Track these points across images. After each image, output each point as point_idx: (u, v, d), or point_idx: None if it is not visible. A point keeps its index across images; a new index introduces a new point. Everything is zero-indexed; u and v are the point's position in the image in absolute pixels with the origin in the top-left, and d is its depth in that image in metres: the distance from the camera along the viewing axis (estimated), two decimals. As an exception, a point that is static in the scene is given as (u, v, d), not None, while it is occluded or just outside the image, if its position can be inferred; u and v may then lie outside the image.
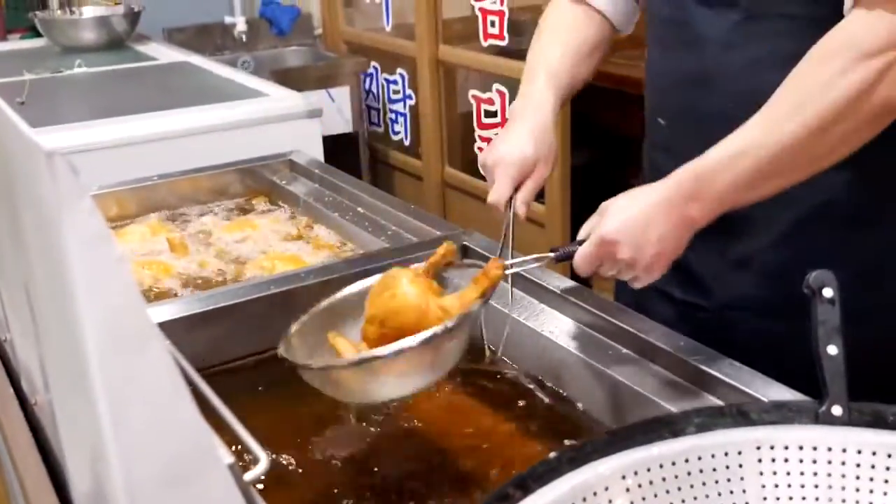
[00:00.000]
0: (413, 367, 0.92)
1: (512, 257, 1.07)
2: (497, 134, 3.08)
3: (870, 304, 1.04)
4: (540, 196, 2.84)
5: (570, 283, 1.21)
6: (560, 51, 1.26)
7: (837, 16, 1.00)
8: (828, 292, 0.78)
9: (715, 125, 1.13)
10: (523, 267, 1.06)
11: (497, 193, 1.15)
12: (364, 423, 1.08)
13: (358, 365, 0.90)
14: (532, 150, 1.16)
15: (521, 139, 1.17)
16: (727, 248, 1.17)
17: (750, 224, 1.15)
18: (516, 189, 1.16)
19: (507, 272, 1.02)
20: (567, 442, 1.02)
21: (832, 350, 0.77)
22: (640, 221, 0.97)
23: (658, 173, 1.27)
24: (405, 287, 0.96)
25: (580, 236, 1.02)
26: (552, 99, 1.22)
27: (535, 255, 1.06)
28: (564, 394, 1.12)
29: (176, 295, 1.39)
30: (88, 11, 3.27)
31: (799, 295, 1.12)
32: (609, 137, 3.18)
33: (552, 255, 1.04)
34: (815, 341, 0.77)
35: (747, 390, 0.94)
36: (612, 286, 1.42)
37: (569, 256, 1.02)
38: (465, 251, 1.34)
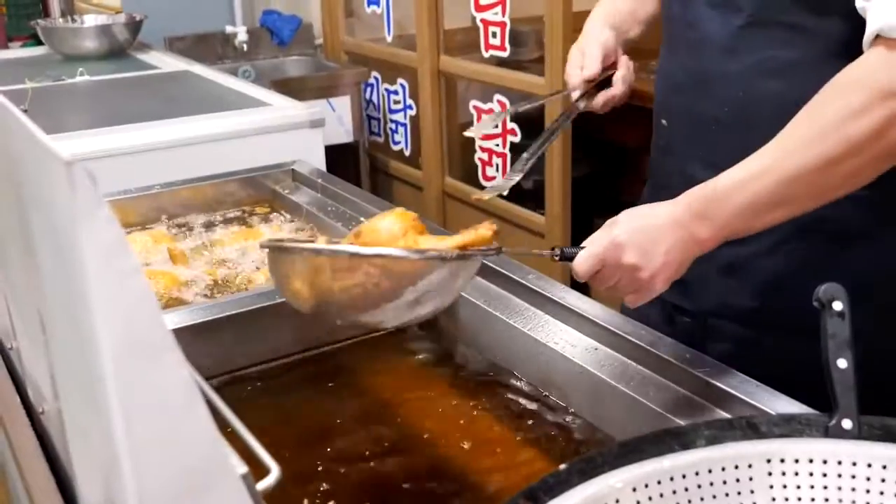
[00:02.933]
0: (367, 282, 0.90)
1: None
2: (498, 144, 3.09)
3: (858, 321, 1.04)
4: (540, 206, 2.86)
5: (574, 293, 1.21)
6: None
7: (840, 30, 1.01)
8: (838, 305, 0.78)
9: (709, 129, 1.15)
10: (521, 255, 1.06)
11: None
12: (369, 432, 1.08)
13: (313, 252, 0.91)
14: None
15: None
16: (715, 254, 1.17)
17: None
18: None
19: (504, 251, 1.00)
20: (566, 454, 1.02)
21: (842, 363, 0.77)
22: (649, 230, 0.97)
23: (659, 174, 1.29)
24: (391, 218, 0.97)
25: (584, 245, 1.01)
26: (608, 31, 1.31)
27: (536, 251, 1.05)
28: (569, 406, 1.12)
29: (180, 304, 1.39)
30: (90, 20, 3.28)
31: (783, 306, 1.13)
32: (607, 148, 3.19)
33: (553, 251, 1.01)
34: (825, 354, 0.77)
35: (754, 403, 0.94)
36: (617, 296, 1.42)
37: (570, 257, 0.99)
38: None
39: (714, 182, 0.98)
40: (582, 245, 1.00)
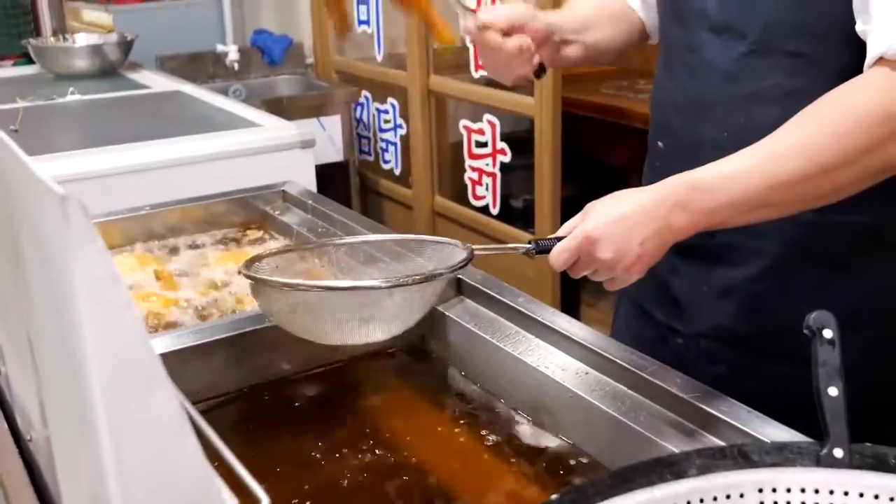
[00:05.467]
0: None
1: None
2: (488, 163, 3.08)
3: (850, 351, 1.04)
4: (530, 225, 2.86)
5: (564, 317, 1.21)
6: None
7: (841, 58, 1.01)
8: (828, 333, 0.78)
9: (706, 154, 1.15)
10: (493, 251, 1.08)
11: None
12: (359, 459, 1.07)
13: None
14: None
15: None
16: (710, 276, 1.18)
17: (735, 254, 1.16)
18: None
19: (477, 251, 1.05)
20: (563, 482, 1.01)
21: (833, 391, 0.77)
22: (624, 223, 0.96)
23: None
24: None
25: (560, 233, 1.01)
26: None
27: (510, 245, 1.06)
28: (560, 431, 1.11)
29: (170, 327, 1.38)
30: (81, 39, 3.28)
31: (775, 331, 1.13)
32: (596, 167, 3.20)
33: (529, 246, 1.02)
34: (816, 382, 0.77)
35: (745, 429, 0.94)
36: (608, 318, 1.42)
37: (546, 250, 1.00)
38: (458, 282, 1.34)
39: (699, 172, 0.97)
40: (556, 235, 1.01)
